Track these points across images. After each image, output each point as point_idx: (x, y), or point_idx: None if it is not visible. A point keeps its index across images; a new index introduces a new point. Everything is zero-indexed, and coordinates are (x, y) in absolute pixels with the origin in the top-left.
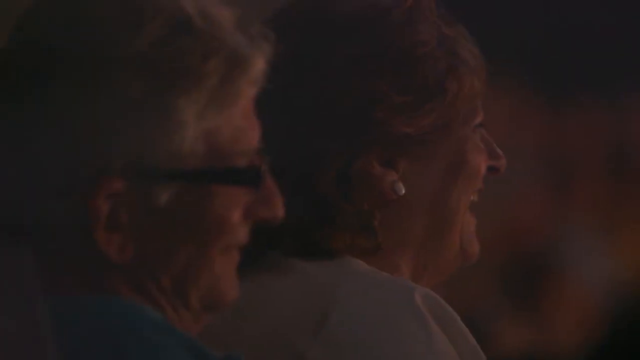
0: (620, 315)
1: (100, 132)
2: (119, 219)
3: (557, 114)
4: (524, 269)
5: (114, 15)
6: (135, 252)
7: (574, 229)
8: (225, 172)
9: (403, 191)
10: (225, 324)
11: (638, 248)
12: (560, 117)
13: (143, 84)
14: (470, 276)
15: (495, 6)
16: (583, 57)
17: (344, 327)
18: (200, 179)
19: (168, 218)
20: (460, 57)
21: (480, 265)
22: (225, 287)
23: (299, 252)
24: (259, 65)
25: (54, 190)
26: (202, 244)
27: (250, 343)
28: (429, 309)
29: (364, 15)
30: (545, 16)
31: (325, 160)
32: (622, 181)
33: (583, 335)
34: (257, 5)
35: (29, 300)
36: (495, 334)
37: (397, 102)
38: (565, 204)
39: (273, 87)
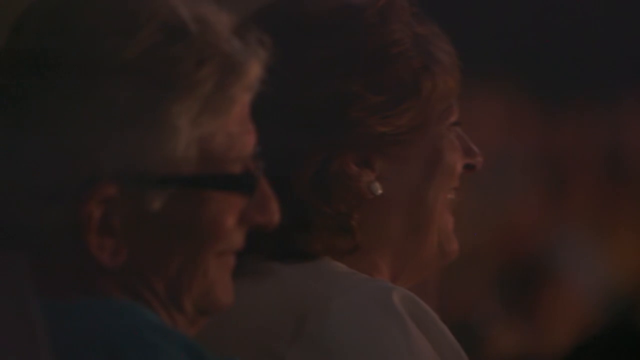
0: (615, 320)
1: (93, 137)
2: (112, 224)
3: (553, 118)
4: (519, 273)
5: (108, 21)
6: (128, 256)
7: (569, 233)
8: (218, 178)
9: (380, 191)
10: (206, 329)
11: (633, 252)
12: (555, 121)
13: (136, 90)
14: (466, 280)
15: (490, 9)
16: (578, 60)
17: (322, 330)
18: (193, 185)
19: (161, 223)
20: (434, 56)
21: (475, 269)
22: (220, 292)
23: (276, 256)
24: (254, 71)
25: (47, 195)
26: (195, 249)
27: (230, 348)
28: (408, 310)
29: (338, 15)
30: (540, 19)
31: (301, 161)
32: (618, 185)
33: (578, 339)
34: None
35: (24, 303)
36: (491, 339)
37: (372, 102)
38: (560, 208)
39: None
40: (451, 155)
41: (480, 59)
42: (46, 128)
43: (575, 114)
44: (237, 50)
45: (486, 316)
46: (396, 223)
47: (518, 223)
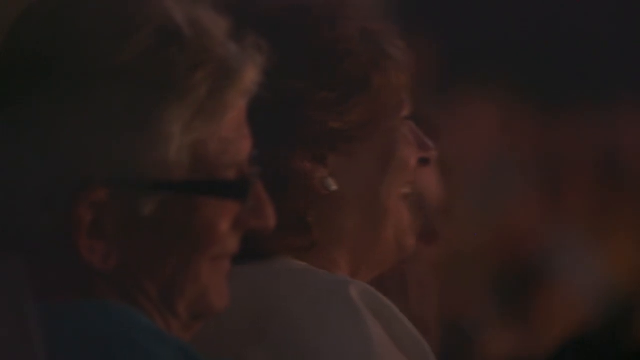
0: (610, 322)
1: (85, 140)
2: (103, 228)
3: (550, 120)
4: (515, 276)
5: (104, 23)
6: (119, 260)
7: (565, 236)
8: (211, 184)
9: (334, 187)
10: None
11: (629, 255)
12: (552, 124)
13: (129, 95)
14: (463, 281)
15: (488, 13)
16: (575, 62)
17: (282, 328)
18: (185, 190)
19: (153, 227)
20: (385, 51)
21: (472, 270)
22: (214, 296)
23: (235, 256)
24: (249, 76)
25: (40, 197)
26: (188, 253)
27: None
28: (367, 304)
29: (287, 13)
30: (538, 21)
31: (254, 159)
32: (614, 187)
33: (566, 339)
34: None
35: (19, 305)
36: (486, 340)
37: (323, 98)
38: (557, 210)
39: None
40: (404, 150)
41: (478, 61)
42: (40, 130)
43: (573, 116)
44: (232, 54)
45: (482, 317)
46: (351, 219)
47: (515, 225)
